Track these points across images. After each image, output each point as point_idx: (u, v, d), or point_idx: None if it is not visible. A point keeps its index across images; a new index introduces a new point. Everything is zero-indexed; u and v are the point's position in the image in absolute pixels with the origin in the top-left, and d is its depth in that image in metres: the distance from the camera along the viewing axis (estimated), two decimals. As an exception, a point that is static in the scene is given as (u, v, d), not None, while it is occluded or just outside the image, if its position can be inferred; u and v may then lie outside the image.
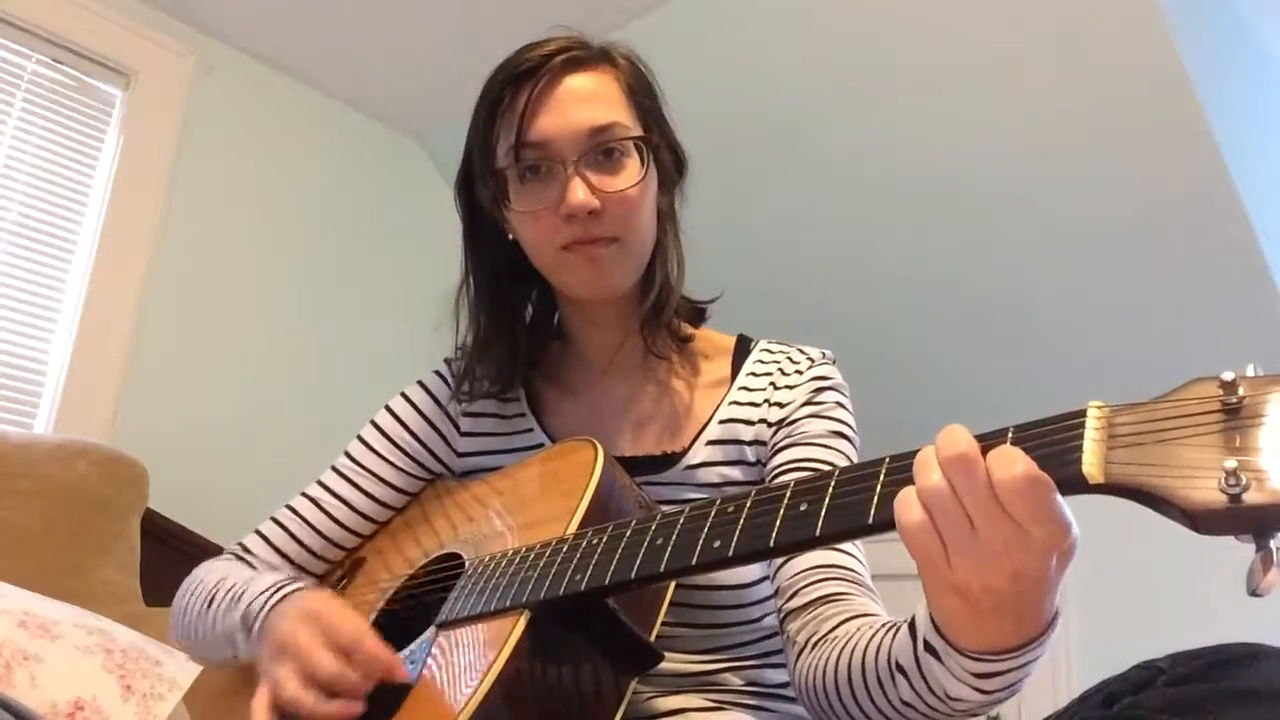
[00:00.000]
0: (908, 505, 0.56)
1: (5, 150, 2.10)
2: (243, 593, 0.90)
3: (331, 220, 2.59)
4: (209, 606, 0.94)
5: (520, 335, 1.02)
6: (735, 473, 0.96)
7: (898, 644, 0.69)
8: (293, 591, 0.86)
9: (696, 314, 1.07)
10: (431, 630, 0.82)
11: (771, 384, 0.99)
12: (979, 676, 0.61)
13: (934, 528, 0.55)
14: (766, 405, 0.98)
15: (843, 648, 0.76)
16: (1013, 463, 0.53)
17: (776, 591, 0.88)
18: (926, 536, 0.56)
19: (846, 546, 0.88)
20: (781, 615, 0.87)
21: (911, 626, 0.68)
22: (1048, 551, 0.54)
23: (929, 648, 0.64)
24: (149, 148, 2.27)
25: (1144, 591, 2.26)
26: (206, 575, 1.00)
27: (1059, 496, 0.54)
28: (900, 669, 0.68)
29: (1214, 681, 0.58)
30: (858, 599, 0.83)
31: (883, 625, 0.74)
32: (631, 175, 0.92)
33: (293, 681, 0.76)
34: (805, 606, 0.84)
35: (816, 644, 0.80)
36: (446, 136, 2.71)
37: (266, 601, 0.86)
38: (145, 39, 2.28)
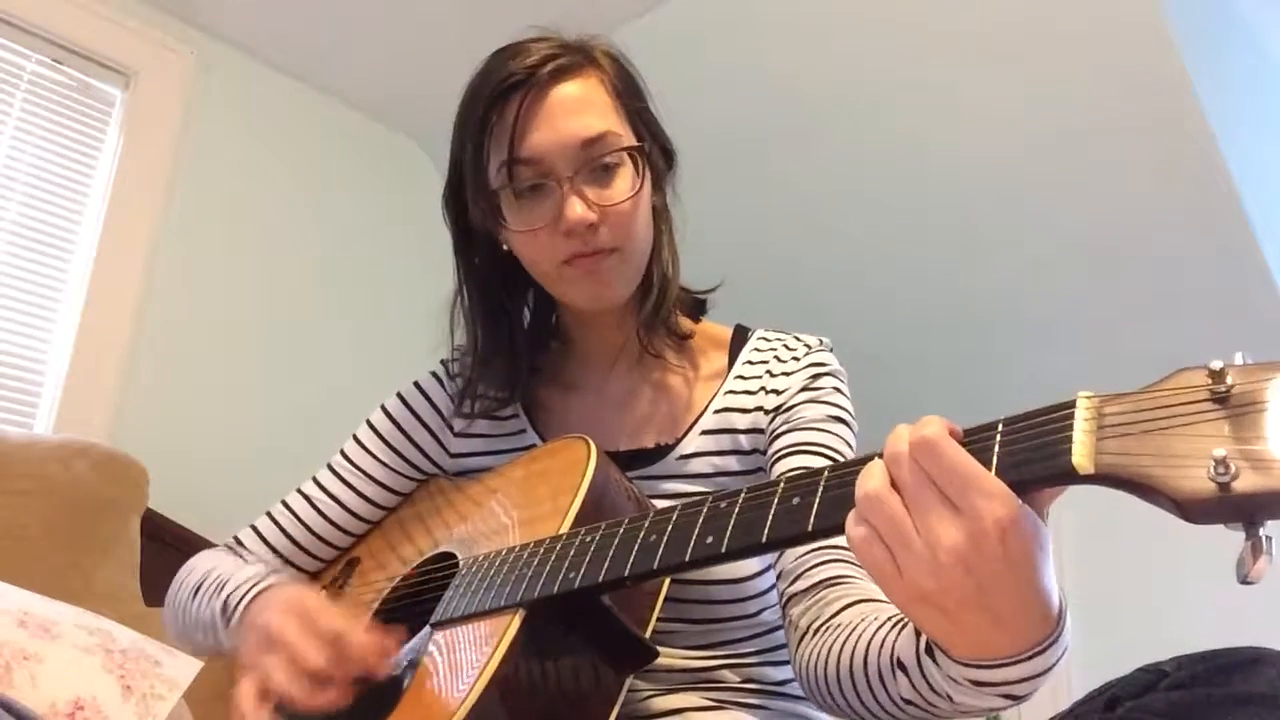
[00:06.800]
0: (851, 521, 0.56)
1: (5, 150, 2.10)
2: (225, 581, 0.91)
3: (330, 220, 2.59)
4: (195, 595, 0.96)
5: (520, 345, 1.01)
6: (729, 462, 0.96)
7: (901, 642, 0.67)
8: (273, 585, 0.87)
9: (696, 305, 1.06)
10: (426, 629, 0.82)
11: (768, 371, 0.98)
12: (976, 684, 0.59)
13: (878, 535, 0.55)
14: (763, 393, 0.97)
15: (845, 638, 0.74)
16: (922, 424, 0.53)
17: (779, 575, 0.87)
18: (872, 546, 0.55)
19: None
20: (784, 599, 0.85)
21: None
22: (985, 533, 0.52)
23: (930, 650, 0.63)
24: (149, 148, 2.27)
25: (1144, 593, 2.26)
26: (197, 564, 1.01)
27: (972, 459, 0.53)
28: (902, 667, 0.67)
29: (1217, 685, 0.58)
30: (861, 582, 0.81)
31: (887, 619, 0.72)
32: (626, 186, 0.91)
33: (281, 672, 0.77)
34: (808, 590, 0.82)
35: (818, 630, 0.78)
36: (446, 137, 2.69)
37: (246, 592, 0.87)
38: (145, 39, 2.28)
